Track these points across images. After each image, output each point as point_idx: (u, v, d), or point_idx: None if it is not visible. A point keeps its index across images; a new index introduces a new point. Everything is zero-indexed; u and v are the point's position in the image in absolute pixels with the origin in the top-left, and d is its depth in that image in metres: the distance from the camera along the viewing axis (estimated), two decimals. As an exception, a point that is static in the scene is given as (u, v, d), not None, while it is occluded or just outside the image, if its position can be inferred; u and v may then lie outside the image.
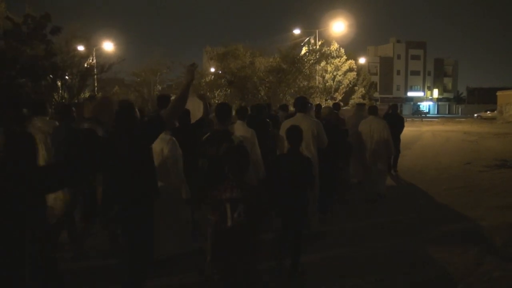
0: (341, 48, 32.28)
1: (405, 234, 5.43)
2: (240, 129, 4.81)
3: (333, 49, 30.21)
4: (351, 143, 7.21)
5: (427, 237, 5.29)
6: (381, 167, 7.32)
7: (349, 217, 6.27)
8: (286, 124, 5.02)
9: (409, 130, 11.56)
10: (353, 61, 34.28)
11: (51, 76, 9.82)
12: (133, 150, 3.03)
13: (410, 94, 75.68)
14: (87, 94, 15.61)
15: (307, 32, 27.69)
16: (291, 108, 8.56)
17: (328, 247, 4.91)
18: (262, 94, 23.80)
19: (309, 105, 6.14)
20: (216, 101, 27.15)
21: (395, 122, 8.76)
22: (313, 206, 4.98)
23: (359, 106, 9.52)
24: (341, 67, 32.46)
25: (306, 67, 24.93)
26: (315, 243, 4.87)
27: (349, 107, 27.85)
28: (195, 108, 4.92)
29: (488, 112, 44.96)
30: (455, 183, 8.73)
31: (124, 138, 3.04)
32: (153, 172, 3.26)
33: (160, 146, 3.97)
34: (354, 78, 34.50)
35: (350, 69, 33.44)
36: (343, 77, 32.49)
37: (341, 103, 12.21)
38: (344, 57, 32.69)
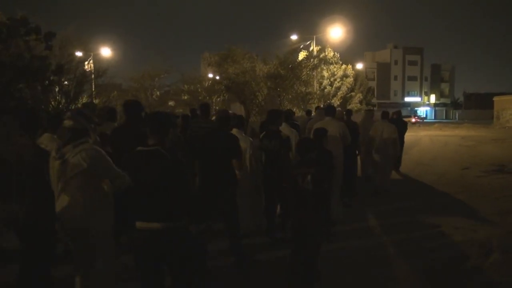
0: (336, 54, 32.37)
1: (401, 237, 5.41)
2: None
3: (329, 55, 30.29)
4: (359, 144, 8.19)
5: (423, 242, 5.27)
6: (388, 165, 8.35)
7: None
8: (316, 126, 5.92)
9: (407, 135, 11.62)
10: (349, 66, 34.36)
11: (51, 78, 9.76)
12: (226, 147, 4.24)
13: (407, 99, 75.94)
14: (84, 100, 15.56)
15: (305, 37, 27.76)
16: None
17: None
18: (260, 99, 23.82)
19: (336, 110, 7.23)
20: (215, 107, 27.18)
21: (399, 126, 9.51)
22: (337, 195, 6.22)
23: (368, 112, 10.70)
24: (337, 72, 32.57)
25: (304, 73, 24.97)
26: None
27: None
28: (237, 112, 5.96)
29: None
30: (453, 188, 8.73)
31: (222, 137, 4.30)
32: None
33: (244, 145, 4.92)
34: (351, 84, 34.59)
35: (346, 75, 33.53)
36: (340, 83, 32.58)
37: (340, 108, 12.52)
38: (339, 63, 32.79)
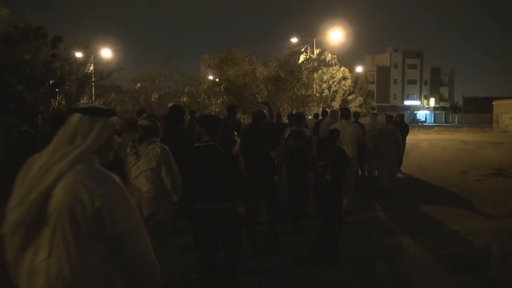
0: (333, 56, 32.36)
1: (401, 240, 5.42)
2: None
3: (328, 58, 30.31)
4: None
5: (424, 244, 5.28)
6: (393, 164, 9.13)
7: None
8: (333, 127, 6.44)
9: (406, 138, 11.77)
10: (346, 69, 34.35)
11: (51, 82, 9.79)
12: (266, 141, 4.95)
13: (407, 102, 76.02)
14: (85, 101, 15.57)
15: (305, 40, 27.81)
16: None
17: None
18: (260, 101, 23.82)
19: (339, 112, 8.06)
20: (215, 109, 27.16)
21: (401, 128, 10.22)
22: (351, 188, 6.90)
23: (373, 115, 11.44)
24: (335, 75, 32.56)
25: (304, 76, 25.00)
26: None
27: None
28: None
29: None
30: (452, 192, 8.75)
31: (259, 133, 5.02)
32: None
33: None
34: (349, 87, 34.56)
35: (344, 77, 33.52)
36: (338, 86, 32.56)
37: (339, 112, 12.84)
38: (338, 65, 32.78)
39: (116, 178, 1.77)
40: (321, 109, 27.43)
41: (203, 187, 3.43)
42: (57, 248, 1.62)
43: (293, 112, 6.42)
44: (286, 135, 6.11)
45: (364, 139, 7.60)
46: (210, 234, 3.46)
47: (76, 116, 1.76)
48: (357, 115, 9.96)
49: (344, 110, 7.74)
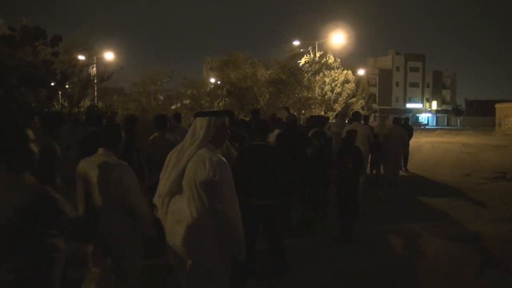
0: (336, 59, 32.38)
1: (401, 241, 5.43)
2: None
3: (331, 61, 30.32)
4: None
5: (425, 248, 5.29)
6: (398, 162, 10.06)
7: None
8: (346, 128, 7.37)
9: (410, 141, 11.85)
10: (349, 72, 34.35)
11: (53, 84, 9.81)
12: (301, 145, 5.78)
13: (409, 105, 75.95)
14: (87, 103, 15.61)
15: (306, 43, 27.85)
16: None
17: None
18: (262, 104, 23.85)
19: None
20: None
21: (406, 130, 10.92)
22: (364, 183, 7.50)
23: (382, 118, 11.80)
24: (338, 78, 32.56)
25: (305, 78, 25.02)
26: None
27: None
28: (282, 117, 7.81)
29: None
30: (454, 195, 8.74)
31: (295, 133, 5.92)
32: None
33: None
34: (352, 90, 34.58)
35: (347, 80, 33.50)
36: (340, 88, 32.57)
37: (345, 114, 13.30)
38: (341, 68, 32.79)
39: (225, 160, 2.65)
40: (323, 112, 27.50)
41: (252, 182, 3.97)
42: (190, 206, 2.57)
43: (312, 115, 7.70)
44: (309, 135, 6.76)
45: (377, 139, 8.68)
46: (252, 227, 3.91)
47: (197, 118, 2.72)
48: (366, 118, 10.63)
49: (356, 114, 8.86)
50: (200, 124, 2.67)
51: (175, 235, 2.62)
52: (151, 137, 5.21)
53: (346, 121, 10.77)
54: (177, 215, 2.63)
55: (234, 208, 2.60)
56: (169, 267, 2.96)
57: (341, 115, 11.03)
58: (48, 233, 1.85)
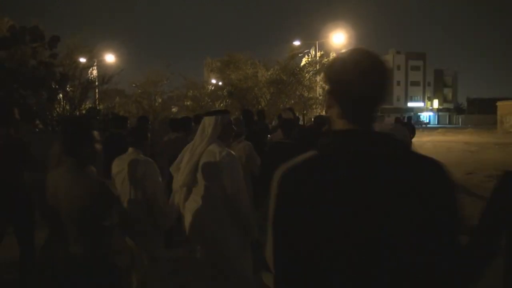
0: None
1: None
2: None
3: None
4: None
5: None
6: None
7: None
8: None
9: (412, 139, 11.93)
10: None
11: (55, 86, 9.81)
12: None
13: (410, 104, 75.90)
14: (88, 106, 15.63)
15: (307, 43, 27.83)
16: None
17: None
18: (263, 105, 23.85)
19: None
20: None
21: (408, 129, 11.17)
22: None
23: (380, 117, 11.85)
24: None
25: (306, 78, 25.02)
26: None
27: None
28: (288, 117, 8.08)
29: None
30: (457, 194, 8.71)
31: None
32: None
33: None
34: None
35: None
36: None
37: None
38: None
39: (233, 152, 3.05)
40: (324, 112, 27.46)
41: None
42: (205, 194, 2.96)
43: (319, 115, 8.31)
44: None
45: None
46: None
47: (205, 118, 3.07)
48: None
49: None
50: (208, 123, 3.00)
51: (195, 220, 3.02)
52: (172, 137, 5.84)
53: None
54: (194, 203, 3.03)
55: (242, 191, 2.97)
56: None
57: None
58: (106, 217, 2.29)
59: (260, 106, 23.73)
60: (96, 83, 16.53)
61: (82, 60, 15.69)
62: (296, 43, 27.67)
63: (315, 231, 1.05)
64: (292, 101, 24.73)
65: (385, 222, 1.04)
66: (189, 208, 3.07)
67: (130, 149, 3.42)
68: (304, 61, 26.45)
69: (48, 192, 2.32)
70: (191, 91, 27.51)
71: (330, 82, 1.20)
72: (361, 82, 1.11)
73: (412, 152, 1.14)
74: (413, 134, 12.47)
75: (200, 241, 3.07)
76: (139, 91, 29.11)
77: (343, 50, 1.38)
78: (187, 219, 3.10)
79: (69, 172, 2.27)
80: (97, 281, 2.24)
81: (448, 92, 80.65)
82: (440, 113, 78.99)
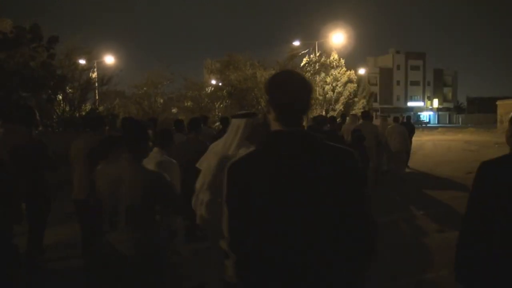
0: (341, 59, 32.34)
1: (400, 241, 5.42)
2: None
3: (332, 60, 30.22)
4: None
5: (429, 247, 5.27)
6: (402, 158, 10.59)
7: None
8: (354, 127, 8.03)
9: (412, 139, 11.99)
10: (352, 72, 34.27)
11: (54, 88, 9.82)
12: None
13: (410, 104, 75.83)
14: (88, 107, 15.64)
15: (307, 44, 27.84)
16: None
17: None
18: (263, 105, 23.88)
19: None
20: (218, 113, 27.25)
21: (408, 128, 11.53)
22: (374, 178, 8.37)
23: (383, 118, 12.68)
24: (341, 78, 32.50)
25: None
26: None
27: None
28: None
29: None
30: (457, 193, 8.70)
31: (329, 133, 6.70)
32: None
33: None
34: (354, 89, 34.49)
35: (350, 80, 33.41)
36: (343, 88, 32.50)
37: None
38: (344, 68, 32.72)
39: None
40: (324, 112, 27.47)
41: None
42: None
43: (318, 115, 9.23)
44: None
45: (383, 135, 9.44)
46: None
47: (233, 120, 3.15)
48: (371, 117, 11.42)
49: (366, 113, 9.55)
50: (237, 125, 3.12)
51: (214, 220, 3.11)
52: (183, 139, 5.97)
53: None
54: (216, 205, 3.16)
55: None
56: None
57: (352, 117, 11.78)
58: (163, 206, 2.63)
59: (260, 107, 23.75)
60: (96, 84, 16.54)
61: (82, 61, 15.71)
62: (296, 43, 27.66)
63: (254, 205, 1.46)
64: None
65: (303, 198, 1.45)
66: (212, 210, 3.16)
67: (155, 149, 3.61)
68: (304, 61, 26.48)
69: (103, 184, 2.53)
70: (191, 92, 27.48)
71: (267, 93, 1.57)
72: (286, 95, 1.51)
73: (328, 144, 1.53)
74: (412, 133, 12.69)
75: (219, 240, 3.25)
76: (140, 92, 29.13)
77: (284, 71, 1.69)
78: (208, 218, 3.20)
79: (131, 165, 2.50)
80: (149, 274, 2.46)
81: (448, 91, 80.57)
82: (440, 113, 78.91)
